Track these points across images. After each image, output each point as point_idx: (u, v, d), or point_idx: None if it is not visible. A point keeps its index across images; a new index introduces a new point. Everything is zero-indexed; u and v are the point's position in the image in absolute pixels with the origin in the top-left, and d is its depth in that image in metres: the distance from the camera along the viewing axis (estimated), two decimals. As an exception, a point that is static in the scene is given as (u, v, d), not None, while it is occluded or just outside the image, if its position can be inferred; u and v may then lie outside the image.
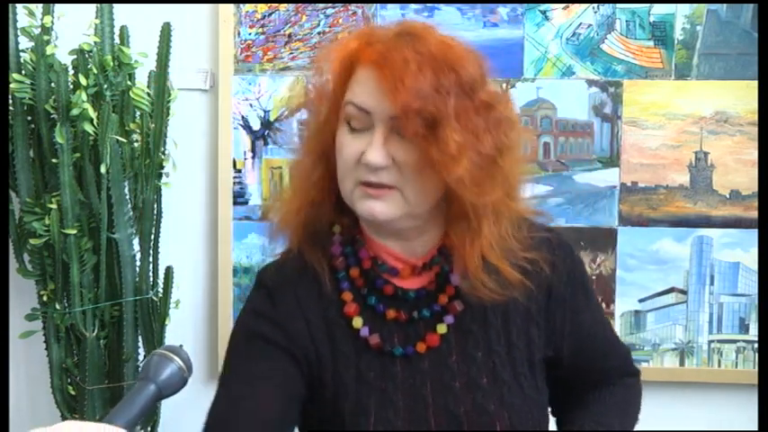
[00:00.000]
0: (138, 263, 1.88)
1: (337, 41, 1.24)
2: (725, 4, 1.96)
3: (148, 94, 1.83)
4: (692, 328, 2.01)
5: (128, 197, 1.83)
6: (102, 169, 1.77)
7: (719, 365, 2.01)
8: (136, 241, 1.87)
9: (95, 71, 1.78)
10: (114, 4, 1.85)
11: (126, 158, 1.82)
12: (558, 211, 1.99)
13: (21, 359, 2.07)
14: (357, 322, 1.17)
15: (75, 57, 1.80)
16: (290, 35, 2.01)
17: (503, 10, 1.97)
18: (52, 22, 1.79)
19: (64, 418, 1.89)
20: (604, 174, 1.99)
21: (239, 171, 2.02)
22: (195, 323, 2.07)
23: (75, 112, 1.74)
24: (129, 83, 1.84)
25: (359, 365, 1.17)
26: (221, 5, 1.99)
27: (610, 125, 1.98)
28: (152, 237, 1.90)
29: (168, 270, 1.92)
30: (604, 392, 1.31)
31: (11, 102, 1.81)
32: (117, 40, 1.85)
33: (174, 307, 1.95)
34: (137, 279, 1.87)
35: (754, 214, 1.96)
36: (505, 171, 1.13)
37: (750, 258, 1.98)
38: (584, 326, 1.26)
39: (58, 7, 1.82)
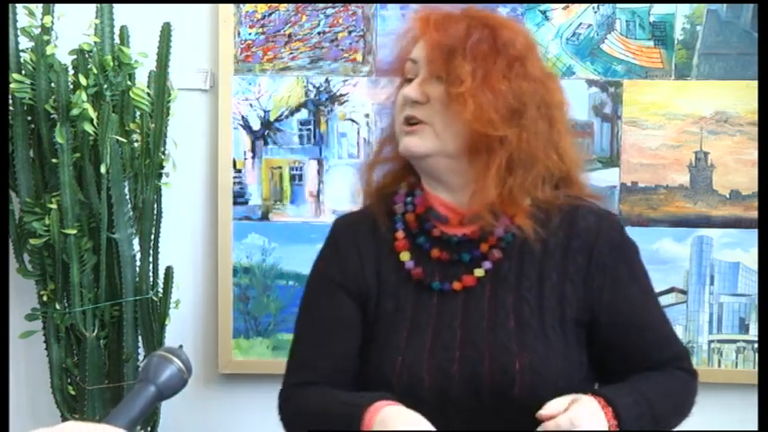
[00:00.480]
0: (138, 263, 1.88)
1: (410, 24, 1.38)
2: (725, 4, 1.96)
3: (148, 94, 1.83)
4: (692, 328, 2.01)
5: (128, 197, 1.83)
6: (102, 169, 1.77)
7: (719, 365, 2.01)
8: (136, 241, 1.87)
9: (95, 71, 1.78)
10: (114, 4, 1.85)
11: (126, 158, 1.82)
12: (558, 211, 1.99)
13: (21, 359, 2.07)
14: (405, 256, 1.33)
15: (75, 57, 1.80)
16: (290, 35, 2.01)
17: (503, 10, 1.97)
18: (52, 22, 1.79)
19: (64, 418, 1.89)
20: (604, 174, 1.99)
21: (239, 171, 2.02)
22: (195, 323, 2.07)
23: (75, 112, 1.74)
24: (129, 83, 1.84)
25: (398, 294, 1.32)
26: (221, 5, 1.99)
27: (610, 125, 1.98)
28: (152, 237, 1.90)
29: (168, 270, 1.92)
30: (652, 374, 1.32)
31: (11, 102, 1.81)
32: (117, 40, 1.85)
33: (174, 307, 1.95)
34: (137, 279, 1.87)
35: (754, 214, 1.96)
36: (532, 122, 1.28)
37: (750, 258, 1.98)
38: (625, 300, 1.31)
39: (58, 7, 1.82)
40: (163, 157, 1.87)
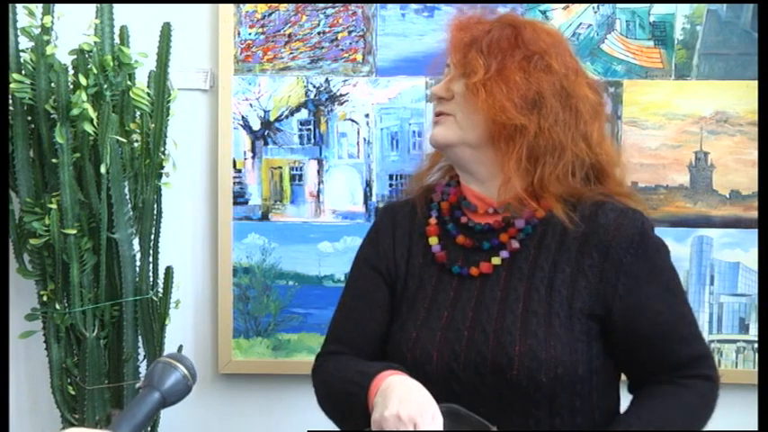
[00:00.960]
0: (138, 263, 1.88)
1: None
2: (725, 4, 1.96)
3: (148, 94, 1.83)
4: (692, 328, 2.01)
5: (128, 197, 1.83)
6: (102, 169, 1.77)
7: (719, 365, 2.01)
8: (136, 241, 1.87)
9: (95, 71, 1.78)
10: (114, 4, 1.84)
11: (126, 158, 1.82)
12: (558, 211, 1.99)
13: (21, 359, 2.07)
14: (433, 240, 1.44)
15: (75, 57, 1.79)
16: (290, 35, 2.01)
17: (503, 10, 1.96)
18: (52, 22, 1.79)
19: (64, 418, 1.89)
20: (604, 174, 1.99)
21: (239, 171, 2.02)
22: (195, 323, 2.07)
23: (75, 112, 1.74)
24: (129, 83, 1.84)
25: (422, 275, 1.42)
26: (221, 5, 1.99)
27: (610, 125, 1.98)
28: (152, 237, 1.90)
29: (168, 270, 1.92)
30: (664, 389, 1.34)
31: (11, 102, 1.81)
32: (117, 40, 1.85)
33: (174, 307, 1.95)
34: (137, 279, 1.87)
35: (754, 214, 1.96)
36: (551, 113, 1.34)
37: (750, 258, 1.98)
38: (642, 299, 1.33)
39: (58, 7, 1.82)
40: (163, 157, 1.87)
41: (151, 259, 1.90)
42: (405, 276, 1.44)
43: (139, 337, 1.90)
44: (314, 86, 2.00)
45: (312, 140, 2.01)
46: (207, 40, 2.02)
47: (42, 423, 2.08)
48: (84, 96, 1.74)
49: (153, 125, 1.84)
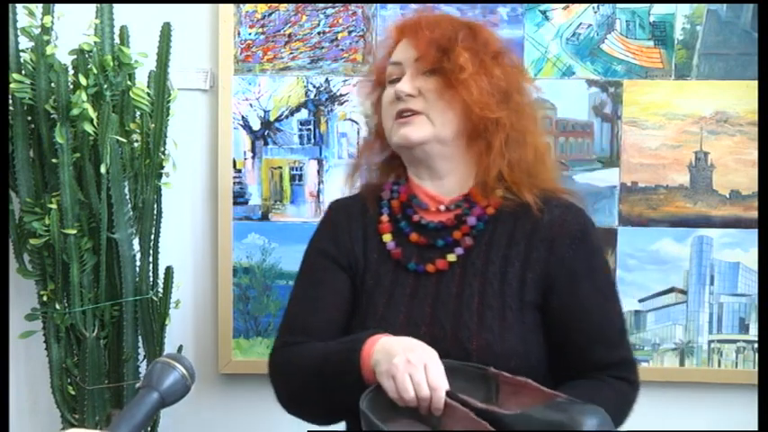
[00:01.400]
0: (138, 263, 1.88)
1: (388, 29, 1.56)
2: (725, 4, 1.96)
3: (148, 94, 1.83)
4: (692, 328, 2.01)
5: (128, 197, 1.83)
6: (102, 169, 1.77)
7: (719, 365, 2.01)
8: (136, 241, 1.87)
9: (95, 71, 1.78)
10: (114, 4, 1.84)
11: (126, 158, 1.82)
12: (558, 211, 1.99)
13: (21, 359, 2.07)
14: (387, 237, 1.47)
15: (75, 57, 1.79)
16: (290, 35, 2.01)
17: (503, 10, 1.97)
18: (52, 22, 1.79)
19: (64, 418, 1.89)
20: (604, 174, 1.99)
21: (239, 171, 2.02)
22: (195, 323, 2.07)
23: (75, 112, 1.74)
24: (129, 83, 1.84)
25: (379, 271, 1.45)
26: (221, 5, 1.99)
27: (610, 125, 1.98)
28: (152, 237, 1.90)
29: (168, 270, 1.92)
30: (586, 381, 1.38)
31: (11, 102, 1.81)
32: (117, 40, 1.85)
33: (174, 307, 1.95)
34: (137, 279, 1.87)
35: (754, 214, 1.96)
36: (518, 104, 1.43)
37: (750, 258, 1.98)
38: (576, 294, 1.39)
39: (58, 7, 1.82)
40: (163, 157, 1.87)
41: (151, 259, 1.90)
42: (363, 272, 1.47)
43: (139, 337, 1.90)
44: (314, 86, 2.00)
45: (312, 140, 2.01)
46: (207, 40, 2.02)
47: (42, 423, 2.08)
48: (84, 96, 1.74)
49: (153, 125, 1.84)
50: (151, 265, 1.91)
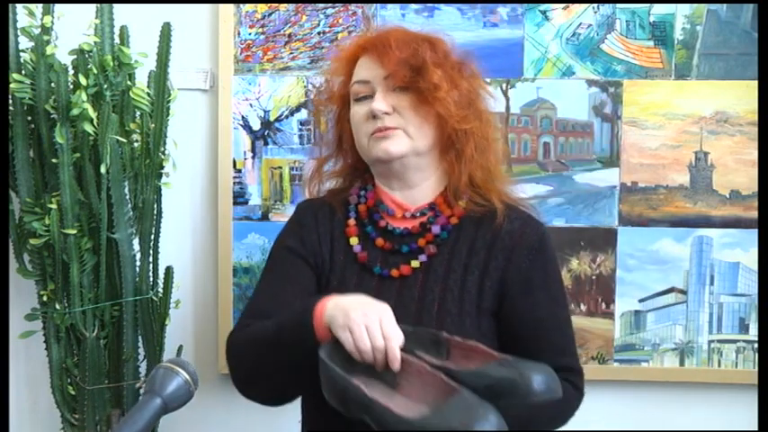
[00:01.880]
0: (138, 263, 1.88)
1: (339, 48, 1.62)
2: (725, 4, 1.96)
3: (148, 94, 1.83)
4: (692, 328, 2.01)
5: (128, 197, 1.83)
6: (102, 169, 1.77)
7: (719, 365, 2.01)
8: (136, 241, 1.87)
9: (95, 71, 1.78)
10: (114, 4, 1.84)
11: (126, 158, 1.82)
12: (558, 211, 1.99)
13: (21, 359, 2.07)
14: (353, 240, 1.52)
15: (75, 57, 1.79)
16: (290, 35, 2.01)
17: (503, 10, 1.97)
18: (52, 22, 1.79)
19: (64, 418, 1.89)
20: (604, 174, 1.99)
21: (239, 171, 2.02)
22: (195, 323, 2.07)
23: (75, 112, 1.74)
24: (129, 83, 1.84)
25: (344, 273, 1.49)
26: (221, 5, 1.99)
27: (610, 125, 1.98)
28: (152, 237, 1.90)
29: (168, 270, 1.92)
30: None
31: (11, 102, 1.81)
32: (117, 40, 1.85)
33: (174, 307, 1.95)
34: (137, 279, 1.87)
35: (754, 214, 1.96)
36: (481, 112, 1.50)
37: (750, 258, 1.98)
38: (530, 303, 1.45)
39: (58, 7, 1.82)
40: (163, 157, 1.87)
41: (151, 259, 1.90)
42: (328, 272, 1.51)
43: (139, 338, 1.90)
44: (314, 86, 2.00)
45: (312, 140, 2.01)
46: (207, 40, 2.02)
47: (42, 423, 2.08)
48: (84, 96, 1.74)
49: (153, 125, 1.84)
50: (151, 265, 1.91)
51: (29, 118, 1.82)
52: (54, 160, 1.78)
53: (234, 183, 2.02)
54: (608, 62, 1.98)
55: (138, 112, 1.84)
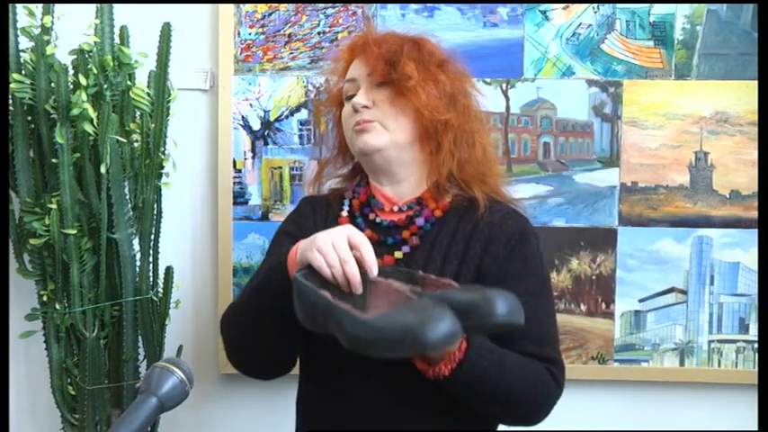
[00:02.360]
0: (138, 263, 1.88)
1: (339, 51, 1.67)
2: (725, 4, 1.96)
3: (148, 94, 1.83)
4: (692, 328, 2.01)
5: (128, 197, 1.83)
6: (102, 169, 1.77)
7: (719, 365, 2.01)
8: (136, 241, 1.87)
9: (95, 71, 1.78)
10: (114, 4, 1.84)
11: (126, 158, 1.82)
12: (558, 211, 1.99)
13: (21, 359, 2.07)
14: None
15: (75, 57, 1.79)
16: (290, 35, 2.01)
17: (503, 10, 1.97)
18: (52, 22, 1.79)
19: (64, 418, 1.89)
20: (604, 174, 1.99)
21: (239, 171, 2.02)
22: (195, 323, 2.07)
23: (75, 112, 1.74)
24: (129, 83, 1.84)
25: None
26: (221, 5, 1.99)
27: (610, 125, 1.98)
28: (152, 237, 1.90)
29: (168, 270, 1.92)
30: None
31: (11, 102, 1.81)
32: (117, 40, 1.85)
33: (174, 307, 1.95)
34: (137, 279, 1.87)
35: (754, 214, 1.96)
36: (466, 107, 1.54)
37: (750, 258, 1.98)
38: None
39: (58, 7, 1.82)
40: (163, 157, 1.87)
41: (151, 259, 1.90)
42: None
43: (139, 338, 1.90)
44: (314, 86, 2.00)
45: (312, 140, 2.01)
46: (207, 40, 2.02)
47: (42, 423, 2.08)
48: (84, 96, 1.74)
49: (153, 125, 1.84)
50: (151, 266, 1.91)
51: (29, 118, 1.82)
52: (54, 160, 1.78)
53: (234, 183, 2.02)
54: (608, 62, 1.98)
55: (138, 112, 1.84)
